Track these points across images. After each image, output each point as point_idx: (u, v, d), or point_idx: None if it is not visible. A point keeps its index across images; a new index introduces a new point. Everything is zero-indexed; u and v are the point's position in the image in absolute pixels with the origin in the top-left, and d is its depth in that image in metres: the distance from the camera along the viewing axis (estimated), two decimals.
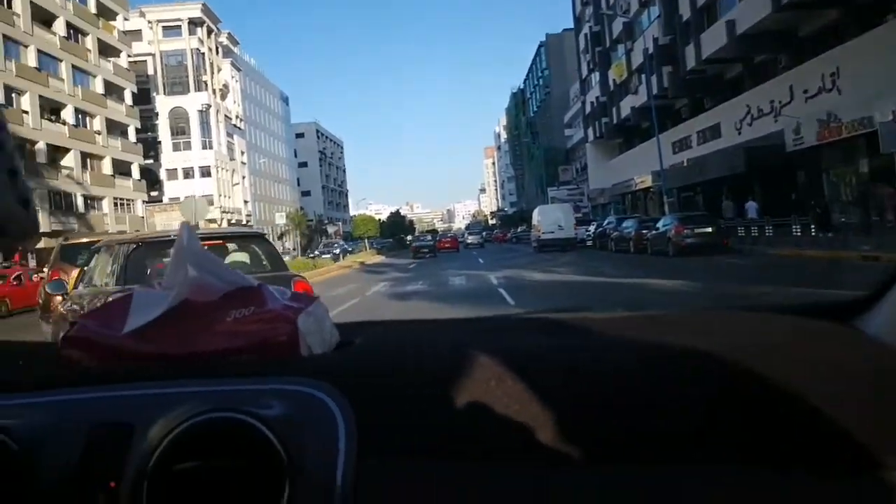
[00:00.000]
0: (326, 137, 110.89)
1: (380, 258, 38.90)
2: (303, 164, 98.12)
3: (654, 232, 21.78)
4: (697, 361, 0.76)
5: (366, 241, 45.12)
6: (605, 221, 31.20)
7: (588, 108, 51.43)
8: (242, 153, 69.88)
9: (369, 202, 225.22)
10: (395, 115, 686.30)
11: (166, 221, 42.31)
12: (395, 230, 65.91)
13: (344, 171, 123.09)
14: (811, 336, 0.83)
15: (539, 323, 1.08)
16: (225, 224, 62.10)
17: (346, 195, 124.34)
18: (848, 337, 0.83)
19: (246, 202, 68.75)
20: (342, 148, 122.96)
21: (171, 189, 57.90)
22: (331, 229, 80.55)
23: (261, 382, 0.76)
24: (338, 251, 35.69)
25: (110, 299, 1.04)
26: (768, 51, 25.19)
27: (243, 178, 69.17)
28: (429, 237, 48.50)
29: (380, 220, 74.97)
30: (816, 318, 0.89)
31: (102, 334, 0.87)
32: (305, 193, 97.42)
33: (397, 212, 79.52)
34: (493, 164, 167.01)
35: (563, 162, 68.22)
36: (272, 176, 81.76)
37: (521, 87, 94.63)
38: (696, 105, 33.17)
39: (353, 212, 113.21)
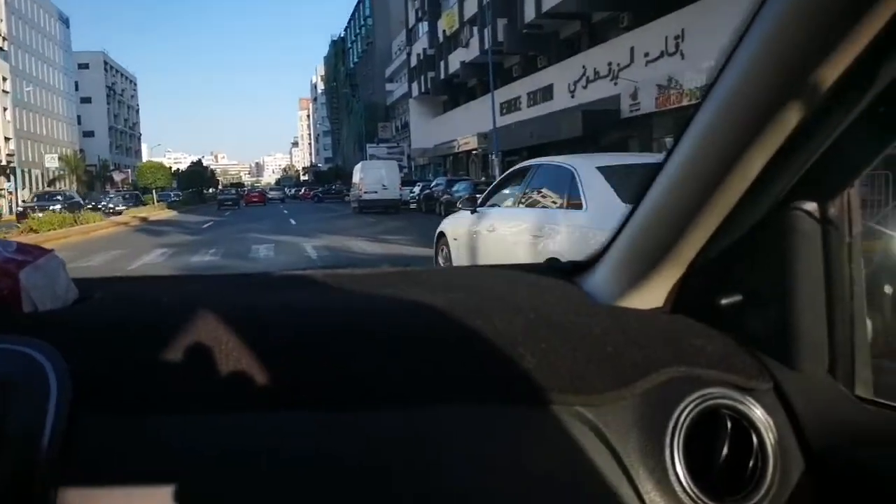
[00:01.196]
0: (116, 71, 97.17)
1: (169, 214, 33.28)
2: (86, 100, 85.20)
3: None
4: (413, 312, 0.87)
5: (154, 192, 38.32)
6: (433, 183, 28.70)
7: (414, 61, 48.52)
8: (4, 79, 57.91)
9: (167, 149, 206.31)
10: (201, 55, 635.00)
11: None
12: (194, 182, 58.51)
13: (137, 111, 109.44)
14: (534, 288, 0.98)
15: (301, 280, 1.08)
16: None
17: (139, 139, 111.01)
18: (566, 290, 0.98)
19: (8, 139, 57.28)
20: (135, 85, 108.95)
21: None
22: (117, 176, 70.43)
23: None
24: (58, 207, 26.94)
25: None
26: (611, 7, 23.83)
27: (4, 109, 57.49)
28: (233, 191, 52.12)
29: (178, 169, 66.91)
30: (549, 275, 1.04)
31: None
32: (88, 134, 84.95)
33: (199, 161, 71.50)
34: (309, 116, 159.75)
35: (383, 118, 65.31)
36: (45, 110, 69.36)
37: (342, 35, 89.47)
38: (528, 64, 31.56)
39: (147, 159, 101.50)
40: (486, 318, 0.83)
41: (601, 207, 4.44)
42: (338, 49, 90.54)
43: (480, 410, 0.75)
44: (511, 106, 31.76)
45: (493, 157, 27.69)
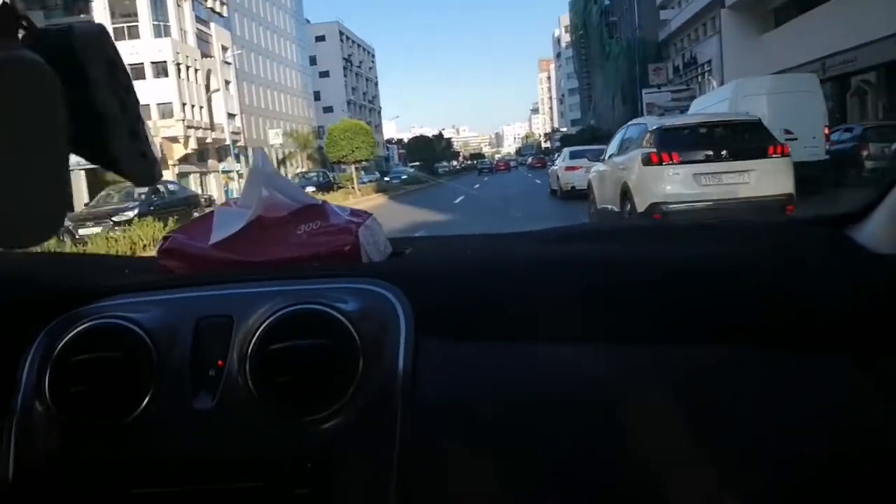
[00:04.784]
0: (353, 42, 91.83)
1: (374, 201, 21.80)
2: (324, 74, 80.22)
3: None
4: (698, 262, 0.93)
5: (352, 168, 27.10)
6: None
7: None
8: (225, 49, 52.60)
9: (412, 125, 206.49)
10: (438, 29, 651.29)
11: None
12: (421, 154, 48.09)
13: (376, 84, 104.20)
14: (801, 239, 1.03)
15: (580, 232, 1.20)
16: (193, 144, 45.90)
17: (379, 113, 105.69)
18: (836, 241, 0.98)
19: (232, 115, 51.90)
20: (373, 56, 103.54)
21: None
22: None
23: (334, 282, 0.89)
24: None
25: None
26: None
27: (227, 82, 52.15)
28: (487, 162, 68.01)
29: (402, 140, 57.67)
30: (815, 227, 1.06)
31: (192, 246, 1.00)
32: (327, 109, 79.79)
33: (439, 134, 62.39)
34: (549, 78, 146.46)
35: (653, 59, 49.30)
36: (276, 84, 64.10)
37: None
38: None
39: (388, 135, 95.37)
40: (759, 263, 0.89)
41: None
42: None
43: (757, 354, 0.79)
44: None
45: None
